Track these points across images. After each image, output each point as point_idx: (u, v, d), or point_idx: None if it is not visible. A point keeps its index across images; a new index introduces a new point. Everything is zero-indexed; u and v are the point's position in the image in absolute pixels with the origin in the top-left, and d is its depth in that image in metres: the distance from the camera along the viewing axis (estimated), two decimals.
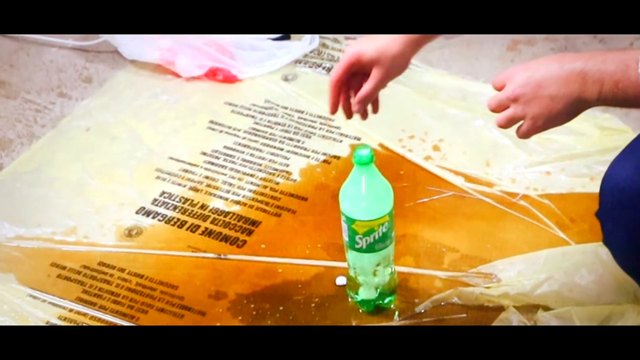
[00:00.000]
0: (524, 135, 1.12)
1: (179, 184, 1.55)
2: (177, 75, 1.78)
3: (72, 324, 1.33)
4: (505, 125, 1.12)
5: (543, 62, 1.08)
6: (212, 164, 1.59)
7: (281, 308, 1.34)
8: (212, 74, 1.76)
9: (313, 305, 1.34)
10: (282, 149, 1.61)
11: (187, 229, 1.47)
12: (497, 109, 1.12)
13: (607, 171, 1.12)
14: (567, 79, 1.05)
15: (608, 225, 1.14)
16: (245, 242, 1.44)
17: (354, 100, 1.25)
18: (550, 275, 1.31)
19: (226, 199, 1.52)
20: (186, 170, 1.58)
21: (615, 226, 1.12)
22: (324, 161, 1.58)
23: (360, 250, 1.25)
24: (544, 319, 1.27)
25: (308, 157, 1.59)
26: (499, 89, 1.12)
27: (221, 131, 1.66)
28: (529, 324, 1.27)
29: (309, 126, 1.66)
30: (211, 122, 1.68)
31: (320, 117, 1.67)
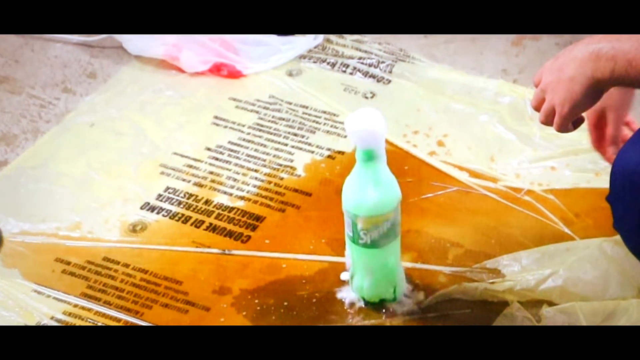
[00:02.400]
0: (559, 127, 1.10)
1: (184, 180, 1.55)
2: (182, 71, 1.77)
3: (77, 319, 1.33)
4: (545, 120, 1.11)
5: (569, 47, 1.07)
6: (217, 159, 1.59)
7: (285, 303, 1.34)
8: (217, 70, 1.76)
9: (317, 300, 1.34)
10: (286, 145, 1.61)
11: (191, 225, 1.47)
12: (538, 105, 1.11)
13: (618, 154, 1.12)
14: (582, 58, 1.04)
15: (619, 209, 1.14)
16: (249, 237, 1.44)
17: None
18: (554, 270, 1.31)
19: (230, 195, 1.52)
20: (190, 166, 1.58)
21: (626, 209, 1.12)
22: (329, 156, 1.58)
23: (364, 245, 1.25)
24: (549, 314, 1.27)
25: (312, 152, 1.59)
26: (538, 85, 1.11)
27: (225, 127, 1.66)
28: (533, 319, 1.27)
29: (314, 121, 1.66)
30: (215, 117, 1.68)
31: (324, 112, 1.67)
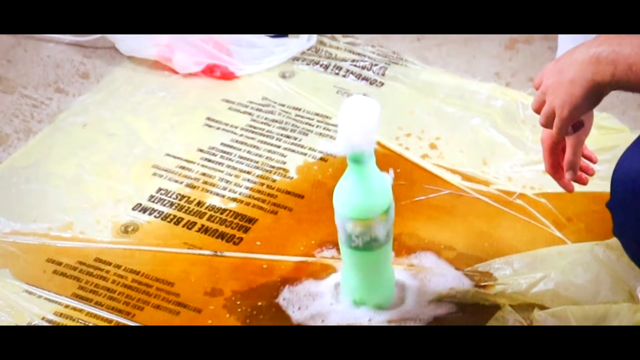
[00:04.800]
0: (558, 129, 1.08)
1: (176, 181, 1.55)
2: (175, 72, 1.77)
3: (68, 320, 1.33)
4: (545, 122, 1.09)
5: (570, 50, 1.07)
6: (209, 160, 1.59)
7: (276, 305, 1.34)
8: (210, 71, 1.76)
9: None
10: (279, 147, 1.61)
11: (183, 226, 1.47)
12: (538, 107, 1.10)
13: (619, 162, 1.12)
14: (583, 61, 1.03)
15: (619, 216, 1.14)
16: (241, 239, 1.44)
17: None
18: (546, 274, 1.31)
19: (223, 196, 1.52)
20: (183, 167, 1.58)
21: (627, 216, 1.12)
22: (321, 159, 1.58)
23: (356, 248, 1.24)
24: (540, 317, 1.27)
25: (305, 154, 1.59)
26: (538, 87, 1.11)
27: (218, 128, 1.66)
28: (524, 323, 1.27)
29: (306, 124, 1.65)
30: (208, 118, 1.68)
31: (317, 114, 1.67)
